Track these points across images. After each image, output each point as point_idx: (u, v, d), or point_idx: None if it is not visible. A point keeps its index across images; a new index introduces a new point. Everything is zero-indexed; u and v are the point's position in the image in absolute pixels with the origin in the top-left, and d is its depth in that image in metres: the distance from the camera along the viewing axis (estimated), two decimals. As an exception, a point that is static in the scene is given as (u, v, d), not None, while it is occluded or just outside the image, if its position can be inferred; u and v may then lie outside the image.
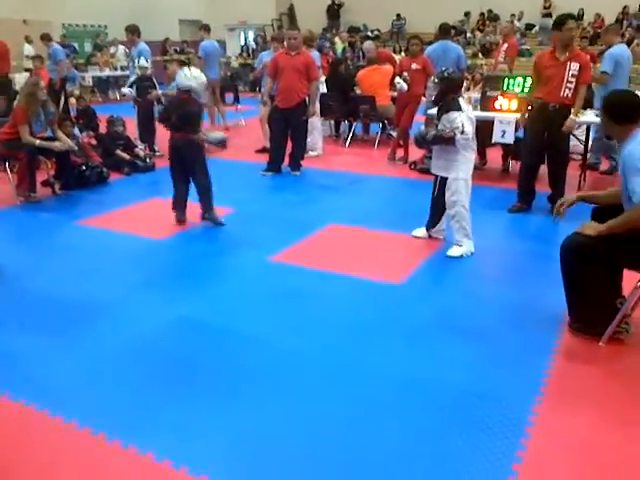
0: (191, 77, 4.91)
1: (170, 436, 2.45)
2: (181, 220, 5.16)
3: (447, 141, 4.22)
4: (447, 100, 4.31)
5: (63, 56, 10.90)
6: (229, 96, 11.83)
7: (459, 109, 4.24)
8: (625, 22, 17.95)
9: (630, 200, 2.92)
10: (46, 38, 11.12)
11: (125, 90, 7.91)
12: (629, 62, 6.43)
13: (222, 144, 5.28)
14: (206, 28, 9.85)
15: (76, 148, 6.24)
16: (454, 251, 4.41)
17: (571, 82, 5.04)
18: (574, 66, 5.01)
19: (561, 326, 3.33)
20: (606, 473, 2.28)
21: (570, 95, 5.07)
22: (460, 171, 4.32)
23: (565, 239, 3.17)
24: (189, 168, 5.02)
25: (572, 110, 5.14)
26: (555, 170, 5.44)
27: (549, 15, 18.88)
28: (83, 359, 3.04)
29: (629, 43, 16.31)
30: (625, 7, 18.04)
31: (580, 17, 18.21)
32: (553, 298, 3.32)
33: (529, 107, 5.48)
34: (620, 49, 6.50)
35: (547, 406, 2.65)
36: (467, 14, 20.03)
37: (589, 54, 7.21)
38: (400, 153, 7.69)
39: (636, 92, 3.30)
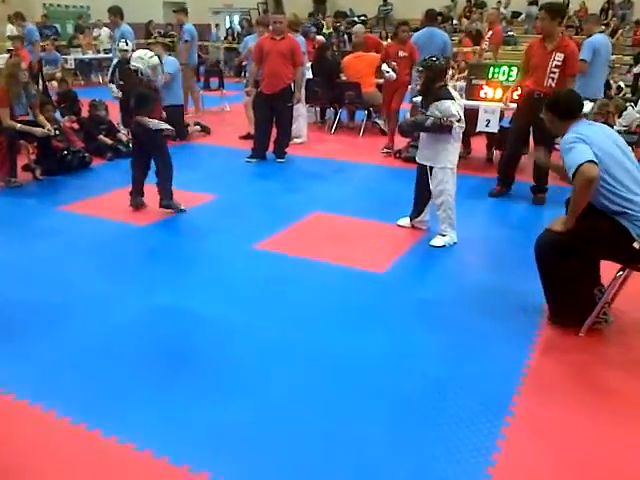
0: (138, 59, 4.78)
1: (152, 426, 2.45)
2: (136, 205, 5.12)
3: (444, 129, 4.20)
4: (434, 88, 4.28)
5: (37, 37, 10.59)
6: (214, 81, 11.71)
7: (451, 97, 4.23)
8: (610, 12, 18.02)
9: (572, 180, 2.99)
10: (20, 17, 10.77)
11: (112, 88, 7.77)
12: (608, 51, 6.51)
13: (167, 134, 4.91)
14: (185, 11, 9.67)
15: (57, 134, 6.15)
16: (437, 241, 4.43)
17: (554, 72, 5.04)
18: (558, 56, 5.02)
19: (542, 316, 3.37)
20: (585, 462, 2.32)
21: (554, 85, 5.05)
22: (448, 161, 4.32)
23: (538, 237, 3.22)
24: (148, 153, 4.96)
25: None
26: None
27: (535, 3, 18.86)
28: (63, 347, 3.02)
29: (614, 33, 16.44)
30: (610, -4, 18.09)
31: (566, 6, 18.25)
32: (534, 288, 3.35)
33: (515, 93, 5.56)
34: (599, 38, 6.57)
35: (527, 396, 2.69)
36: (453, 0, 19.96)
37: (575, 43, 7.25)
38: (387, 141, 7.66)
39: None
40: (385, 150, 7.49)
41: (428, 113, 4.25)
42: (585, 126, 3.12)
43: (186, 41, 9.40)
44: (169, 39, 12.37)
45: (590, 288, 3.22)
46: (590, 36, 6.63)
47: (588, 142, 2.95)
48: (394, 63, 7.14)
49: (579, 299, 3.19)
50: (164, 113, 5.16)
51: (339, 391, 2.70)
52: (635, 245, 2.95)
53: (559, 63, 5.02)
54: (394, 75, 7.09)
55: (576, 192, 2.99)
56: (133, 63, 4.80)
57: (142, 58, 4.79)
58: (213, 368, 2.86)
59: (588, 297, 3.19)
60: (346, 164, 6.97)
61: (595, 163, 2.88)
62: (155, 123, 4.77)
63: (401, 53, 7.17)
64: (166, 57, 7.87)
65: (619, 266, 3.13)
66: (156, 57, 4.88)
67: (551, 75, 5.06)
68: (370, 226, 4.85)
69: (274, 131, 7.05)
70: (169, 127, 4.86)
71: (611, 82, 9.54)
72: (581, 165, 2.88)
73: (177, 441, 2.37)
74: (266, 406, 2.59)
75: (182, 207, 5.05)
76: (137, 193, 5.12)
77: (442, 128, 4.18)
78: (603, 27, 15.70)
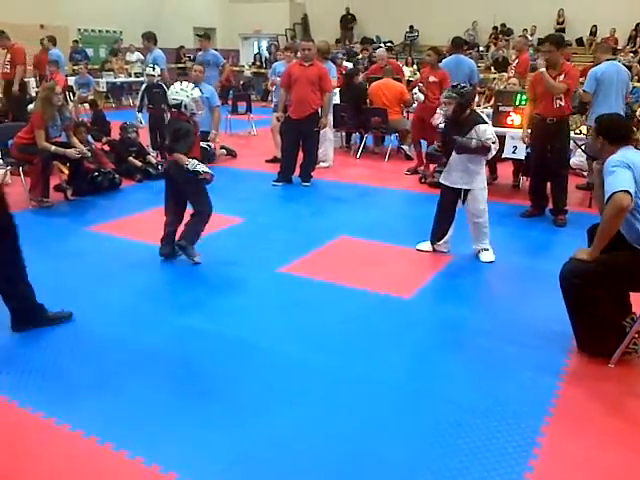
0: (181, 91, 4.33)
1: (175, 447, 2.46)
2: (166, 255, 4.51)
3: (486, 151, 4.39)
4: (464, 115, 4.39)
5: (61, 60, 10.80)
6: (242, 105, 11.90)
7: (485, 121, 4.49)
8: (638, 39, 17.92)
9: (605, 204, 2.97)
10: (52, 41, 11.05)
11: (139, 118, 7.93)
12: (619, 78, 6.25)
13: (203, 178, 4.29)
14: (207, 37, 9.99)
15: (89, 155, 6.30)
16: (488, 256, 4.65)
17: (560, 96, 5.35)
18: (561, 78, 5.34)
19: (570, 345, 3.32)
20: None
21: (563, 104, 5.38)
22: (483, 181, 4.60)
23: (563, 266, 3.19)
24: (183, 194, 4.44)
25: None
26: (554, 183, 5.65)
27: (562, 30, 18.89)
28: (90, 366, 3.06)
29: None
30: (638, 24, 18.02)
31: (593, 33, 18.23)
32: (561, 315, 3.30)
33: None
34: (603, 67, 6.31)
35: (555, 427, 2.64)
36: (474, 24, 19.96)
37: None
38: (415, 164, 7.79)
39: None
40: (409, 171, 7.71)
41: (468, 137, 4.39)
42: (632, 152, 3.12)
43: (222, 65, 9.63)
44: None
45: (618, 318, 3.17)
46: (598, 64, 6.54)
47: (632, 168, 2.93)
48: (421, 84, 7.28)
49: (606, 329, 3.13)
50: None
51: (360, 415, 2.69)
52: None
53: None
54: (422, 96, 7.15)
55: (605, 219, 2.97)
56: (174, 97, 4.32)
57: (184, 90, 4.33)
58: (236, 390, 2.87)
59: (616, 327, 3.14)
60: (371, 188, 7.00)
61: (630, 193, 2.85)
62: (194, 163, 4.24)
63: (432, 78, 7.21)
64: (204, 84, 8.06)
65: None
66: (197, 89, 4.46)
67: (558, 99, 5.37)
68: (396, 250, 4.84)
69: (300, 155, 7.12)
70: (208, 170, 4.32)
71: (637, 110, 9.44)
72: (615, 193, 2.87)
73: (200, 463, 2.37)
74: (288, 428, 2.58)
75: (197, 259, 4.45)
76: (168, 242, 4.52)
77: (485, 150, 4.38)
78: (628, 55, 15.67)
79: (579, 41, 18.92)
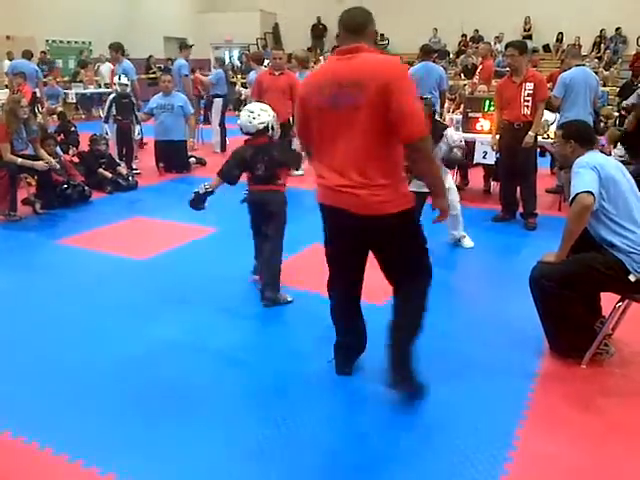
0: (262, 112, 3.84)
1: (149, 462, 2.41)
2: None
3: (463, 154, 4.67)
4: (433, 124, 4.51)
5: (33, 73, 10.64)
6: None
7: (446, 125, 4.71)
8: (602, 45, 18.35)
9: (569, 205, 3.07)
10: (28, 55, 10.95)
11: (106, 129, 7.82)
12: (587, 83, 6.35)
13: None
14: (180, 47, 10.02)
15: (58, 167, 6.20)
16: (469, 242, 5.08)
17: (527, 101, 5.46)
18: (529, 86, 5.45)
19: (543, 347, 3.35)
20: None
21: (528, 112, 5.48)
22: (447, 180, 4.73)
23: (532, 270, 3.22)
24: (265, 224, 4.09)
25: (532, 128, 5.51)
26: (523, 187, 5.74)
27: (529, 37, 19.24)
28: (60, 382, 2.99)
29: (607, 66, 16.70)
30: (602, 30, 18.44)
31: (559, 40, 18.60)
32: (534, 318, 3.34)
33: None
34: (572, 72, 6.44)
35: (530, 430, 2.66)
36: (435, 32, 20.17)
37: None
38: None
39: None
40: None
41: (440, 144, 4.56)
42: (599, 155, 3.21)
43: (186, 75, 9.61)
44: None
45: (588, 319, 3.21)
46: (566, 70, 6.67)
47: (599, 169, 3.00)
48: None
49: (576, 330, 3.17)
50: None
51: (339, 426, 2.67)
52: (631, 278, 2.96)
53: (530, 92, 5.45)
54: None
55: (569, 220, 3.03)
56: (259, 121, 3.79)
57: (265, 110, 3.89)
58: (211, 401, 2.83)
59: (586, 328, 3.18)
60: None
61: (592, 194, 2.91)
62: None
63: None
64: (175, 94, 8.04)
65: (618, 297, 3.13)
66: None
67: (525, 104, 5.48)
68: (370, 258, 4.83)
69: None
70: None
71: (601, 115, 9.63)
72: (578, 194, 2.94)
73: (171, 476, 2.33)
74: (269, 442, 2.56)
75: (289, 298, 3.99)
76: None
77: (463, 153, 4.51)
78: (593, 61, 16.01)
79: (546, 47, 19.30)
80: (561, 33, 18.50)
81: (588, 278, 3.06)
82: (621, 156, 7.46)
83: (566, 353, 3.25)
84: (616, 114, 10.39)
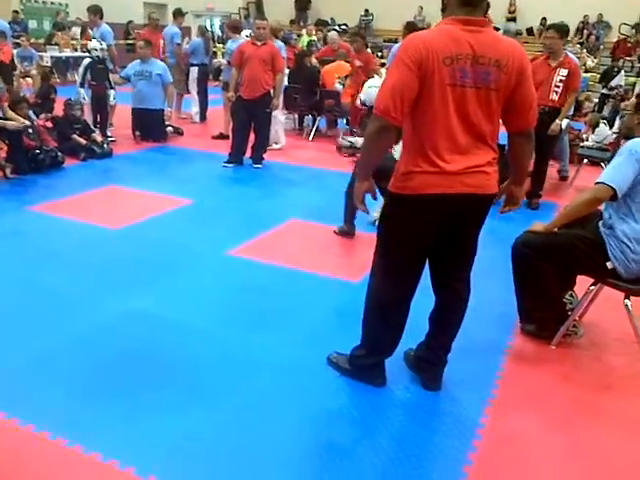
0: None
1: (118, 435, 2.39)
2: None
3: None
4: None
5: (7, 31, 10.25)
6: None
7: None
8: (585, 31, 18.41)
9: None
10: None
11: (82, 94, 7.58)
12: None
13: None
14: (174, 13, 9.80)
15: (30, 132, 6.03)
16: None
17: (558, 86, 5.39)
18: (562, 72, 5.38)
19: (513, 327, 3.39)
20: (555, 473, 2.33)
21: (557, 99, 5.43)
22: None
23: (517, 237, 3.23)
24: None
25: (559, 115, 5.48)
26: (537, 170, 5.75)
27: (513, 20, 19.22)
28: (27, 352, 2.93)
29: (590, 52, 16.78)
30: (585, 16, 18.49)
31: (543, 24, 18.61)
32: (506, 299, 3.37)
33: None
34: None
35: (498, 408, 2.69)
36: (420, 10, 19.97)
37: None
38: None
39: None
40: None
41: None
42: None
43: (178, 44, 9.40)
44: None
45: (560, 295, 3.25)
46: None
47: None
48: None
49: (547, 304, 3.20)
50: None
51: (312, 403, 2.67)
52: (608, 265, 2.99)
53: (563, 78, 5.38)
54: (339, 87, 7.38)
55: (576, 202, 3.04)
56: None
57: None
58: (181, 376, 2.80)
59: (557, 303, 3.22)
60: (323, 171, 6.96)
61: (614, 191, 2.85)
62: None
63: (357, 62, 7.35)
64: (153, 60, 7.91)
65: (592, 281, 3.17)
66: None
67: (555, 89, 5.40)
68: (345, 234, 4.83)
69: (252, 136, 7.01)
70: None
71: (582, 99, 9.71)
72: (602, 183, 2.88)
73: (143, 451, 2.30)
74: (234, 416, 2.54)
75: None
76: None
77: None
78: (575, 46, 16.07)
79: (529, 31, 19.30)
80: (545, 18, 18.50)
81: (567, 254, 3.07)
82: (598, 142, 7.53)
83: (536, 332, 3.29)
84: (596, 100, 10.48)
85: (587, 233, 3.08)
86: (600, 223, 3.06)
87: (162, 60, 8.93)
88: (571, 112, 7.07)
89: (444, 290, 2.69)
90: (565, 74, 5.38)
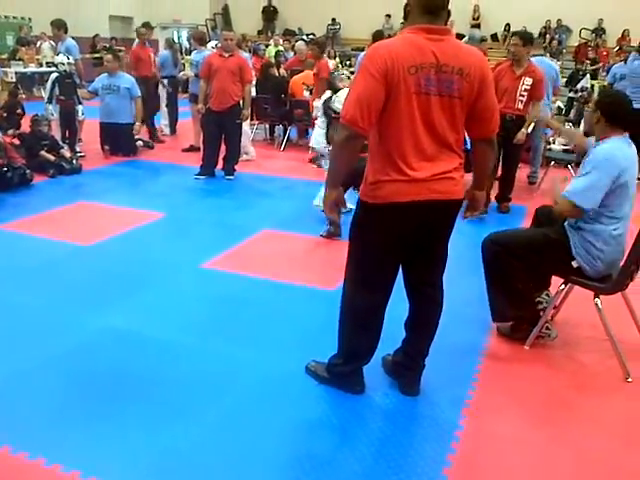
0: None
1: (97, 453, 2.36)
2: None
3: None
4: None
5: None
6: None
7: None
8: (548, 36, 18.81)
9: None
10: None
11: (50, 110, 7.48)
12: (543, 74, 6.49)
13: None
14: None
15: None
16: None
17: (523, 95, 5.36)
18: (527, 81, 5.36)
19: (489, 329, 3.44)
20: (533, 473, 2.36)
21: (522, 107, 5.42)
22: None
23: (486, 236, 3.31)
24: None
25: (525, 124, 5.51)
26: (505, 174, 5.87)
27: (478, 26, 19.52)
28: (1, 374, 2.88)
29: (553, 56, 17.11)
30: (547, 21, 18.91)
31: (507, 30, 18.97)
32: (482, 301, 3.41)
33: None
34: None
35: (476, 409, 2.72)
36: (387, 19, 20.28)
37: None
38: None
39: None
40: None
41: None
42: (625, 148, 2.97)
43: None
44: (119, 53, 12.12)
45: (534, 292, 3.31)
46: None
47: (617, 176, 2.87)
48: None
49: (522, 301, 3.25)
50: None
51: (292, 414, 2.67)
52: (573, 264, 3.06)
53: (528, 87, 5.36)
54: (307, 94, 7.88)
55: (555, 210, 3.10)
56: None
57: None
58: (159, 391, 2.78)
59: (531, 301, 3.29)
60: (295, 181, 6.98)
61: (583, 211, 2.93)
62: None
63: (315, 70, 7.81)
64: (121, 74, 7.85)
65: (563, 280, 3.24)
66: None
67: (520, 98, 5.38)
68: (319, 242, 4.85)
69: (222, 148, 7.00)
70: None
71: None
72: (570, 200, 2.94)
73: (122, 469, 2.28)
74: (215, 430, 2.53)
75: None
76: None
77: None
78: (542, 51, 16.41)
79: (494, 37, 19.63)
80: (508, 24, 18.85)
81: (534, 252, 3.15)
82: (564, 144, 7.70)
83: (510, 334, 3.34)
84: (560, 104, 10.69)
85: (553, 232, 3.16)
86: (566, 223, 3.14)
87: (154, 75, 8.91)
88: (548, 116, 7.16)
89: (417, 295, 2.73)
90: (530, 83, 5.37)
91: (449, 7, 2.37)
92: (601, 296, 3.10)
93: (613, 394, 2.94)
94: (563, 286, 3.23)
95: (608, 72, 9.42)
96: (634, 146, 3.03)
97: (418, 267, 2.65)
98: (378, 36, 7.96)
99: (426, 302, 2.71)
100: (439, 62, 2.25)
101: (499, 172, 7.03)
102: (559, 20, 18.79)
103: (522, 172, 7.25)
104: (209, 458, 2.35)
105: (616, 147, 2.95)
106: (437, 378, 2.94)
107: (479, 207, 2.75)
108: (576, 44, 18.22)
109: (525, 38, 5.43)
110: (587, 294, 3.16)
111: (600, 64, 16.10)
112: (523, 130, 5.50)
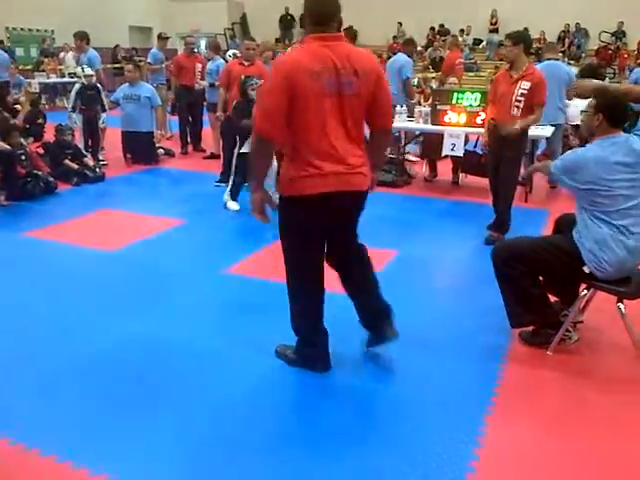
0: None
1: (124, 456, 2.40)
2: None
3: None
4: None
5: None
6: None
7: None
8: (567, 40, 18.69)
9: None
10: None
11: (74, 118, 7.63)
12: (553, 77, 6.09)
13: None
14: (158, 36, 9.86)
15: (23, 159, 6.06)
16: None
17: (519, 101, 4.76)
18: (524, 85, 4.74)
19: (511, 336, 3.42)
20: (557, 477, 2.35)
21: (519, 114, 4.79)
22: None
23: (496, 244, 3.38)
24: None
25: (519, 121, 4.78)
26: (501, 197, 5.08)
27: (496, 31, 19.49)
28: (28, 377, 2.94)
29: (573, 60, 17.00)
30: (566, 25, 18.79)
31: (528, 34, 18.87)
32: (503, 309, 3.40)
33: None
34: (544, 65, 6.45)
35: (498, 416, 2.71)
36: (399, 26, 20.36)
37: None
38: None
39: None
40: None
41: None
42: (608, 152, 2.98)
43: (149, 63, 9.53)
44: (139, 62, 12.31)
45: (541, 294, 3.29)
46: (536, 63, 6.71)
47: (593, 181, 2.93)
48: None
49: (537, 305, 3.25)
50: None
51: (309, 416, 2.69)
52: (585, 269, 3.05)
53: (524, 91, 4.74)
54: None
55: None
56: None
57: None
58: (183, 396, 2.82)
59: (546, 305, 3.28)
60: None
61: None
62: None
63: None
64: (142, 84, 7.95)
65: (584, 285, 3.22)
66: None
67: (515, 104, 4.78)
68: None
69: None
70: None
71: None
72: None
73: (147, 470, 2.32)
74: (239, 434, 2.56)
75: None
76: None
77: None
78: (560, 54, 16.31)
79: (512, 41, 19.53)
80: (526, 28, 18.74)
81: (543, 261, 3.17)
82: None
83: (531, 340, 3.33)
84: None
85: (564, 239, 3.17)
86: (574, 230, 3.15)
87: (196, 84, 8.69)
88: (563, 121, 7.08)
89: (342, 261, 3.02)
90: (527, 87, 4.72)
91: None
92: (625, 301, 3.08)
93: (638, 399, 2.91)
94: (585, 291, 3.21)
95: (630, 72, 9.31)
96: None
97: (337, 245, 2.96)
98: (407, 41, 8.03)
99: (350, 258, 3.01)
100: (337, 66, 2.53)
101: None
102: (578, 24, 18.65)
103: (543, 176, 7.23)
104: (236, 462, 2.38)
105: (601, 155, 2.97)
106: (460, 384, 2.94)
107: (373, 187, 2.96)
108: (596, 47, 18.07)
109: (515, 38, 4.82)
110: (611, 298, 3.14)
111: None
112: (516, 126, 4.73)
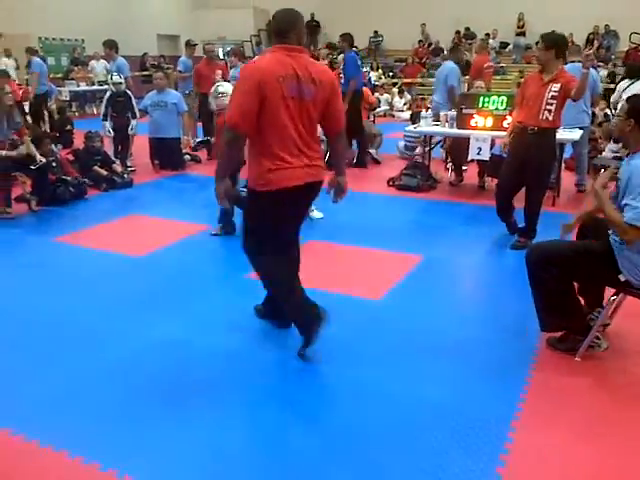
0: None
1: (155, 460, 2.43)
2: None
3: None
4: None
5: (37, 68, 10.62)
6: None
7: None
8: (596, 42, 18.41)
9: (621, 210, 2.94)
10: (29, 52, 11.31)
11: (107, 127, 7.81)
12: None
13: None
14: (186, 44, 10.01)
15: (54, 165, 6.20)
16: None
17: (550, 104, 4.67)
18: (555, 87, 4.66)
19: (539, 341, 3.38)
20: (583, 488, 2.32)
21: (551, 118, 4.70)
22: None
23: (530, 247, 3.31)
24: None
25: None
26: (529, 202, 5.00)
27: (522, 34, 19.32)
28: (59, 380, 3.00)
29: (602, 62, 16.75)
30: (595, 27, 18.52)
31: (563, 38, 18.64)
32: (531, 314, 3.37)
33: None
34: (568, 67, 6.32)
35: (525, 422, 2.68)
36: (423, 27, 20.35)
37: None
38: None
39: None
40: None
41: None
42: None
43: (180, 72, 9.65)
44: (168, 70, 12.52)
45: (574, 299, 3.24)
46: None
47: None
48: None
49: (563, 307, 3.20)
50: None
51: (333, 417, 2.69)
52: (621, 277, 3.00)
53: (555, 94, 4.66)
54: None
55: (615, 219, 2.92)
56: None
57: None
58: (216, 397, 2.84)
59: (576, 310, 3.22)
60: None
61: None
62: None
63: None
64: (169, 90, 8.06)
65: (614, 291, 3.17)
66: None
67: (547, 107, 4.67)
68: (363, 253, 4.87)
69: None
70: None
71: (596, 110, 9.69)
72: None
73: (176, 472, 2.35)
74: (273, 431, 2.58)
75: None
76: None
77: None
78: (579, 57, 16.07)
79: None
80: (554, 31, 18.52)
81: (578, 266, 3.11)
82: (615, 151, 7.52)
83: (560, 346, 3.28)
84: (608, 111, 10.45)
85: (598, 245, 3.10)
86: (611, 236, 3.08)
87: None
88: (588, 124, 6.99)
89: (292, 246, 3.38)
90: (557, 89, 4.64)
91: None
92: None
93: (669, 408, 2.85)
94: (614, 297, 3.16)
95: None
96: None
97: (294, 229, 3.36)
98: (435, 49, 7.99)
99: (296, 248, 3.43)
100: (298, 73, 2.88)
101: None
102: (607, 25, 18.37)
103: (570, 180, 7.15)
104: (264, 462, 2.39)
105: None
106: (487, 390, 2.92)
107: (345, 190, 3.33)
108: (626, 49, 17.76)
109: (548, 40, 4.75)
110: (638, 305, 3.09)
111: None
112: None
